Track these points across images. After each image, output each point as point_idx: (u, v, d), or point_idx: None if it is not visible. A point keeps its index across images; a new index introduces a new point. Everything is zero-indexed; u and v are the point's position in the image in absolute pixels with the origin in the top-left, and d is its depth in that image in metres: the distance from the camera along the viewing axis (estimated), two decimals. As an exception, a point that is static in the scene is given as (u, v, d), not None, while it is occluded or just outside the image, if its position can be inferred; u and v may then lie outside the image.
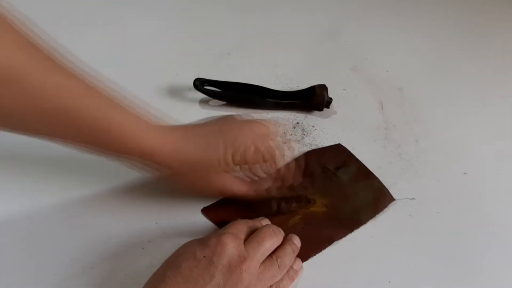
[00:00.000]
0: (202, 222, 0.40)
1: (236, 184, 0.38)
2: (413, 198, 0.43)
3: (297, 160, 0.45)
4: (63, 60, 0.31)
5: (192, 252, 0.30)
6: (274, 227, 0.35)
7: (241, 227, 0.34)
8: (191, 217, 0.40)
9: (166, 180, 0.37)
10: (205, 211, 0.40)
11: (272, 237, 0.33)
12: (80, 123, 0.31)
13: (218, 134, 0.36)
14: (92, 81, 0.32)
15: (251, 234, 0.33)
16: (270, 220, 0.38)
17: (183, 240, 0.37)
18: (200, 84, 0.51)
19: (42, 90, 0.29)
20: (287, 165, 0.43)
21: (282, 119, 0.51)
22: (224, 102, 0.53)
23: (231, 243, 0.31)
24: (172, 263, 0.30)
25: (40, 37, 0.30)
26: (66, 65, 0.31)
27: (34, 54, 0.29)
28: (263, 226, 0.35)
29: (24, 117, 0.30)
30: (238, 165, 0.37)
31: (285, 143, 0.48)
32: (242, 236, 0.33)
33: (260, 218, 0.37)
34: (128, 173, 0.42)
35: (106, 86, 0.33)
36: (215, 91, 0.52)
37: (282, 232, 0.35)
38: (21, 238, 0.37)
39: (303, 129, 0.50)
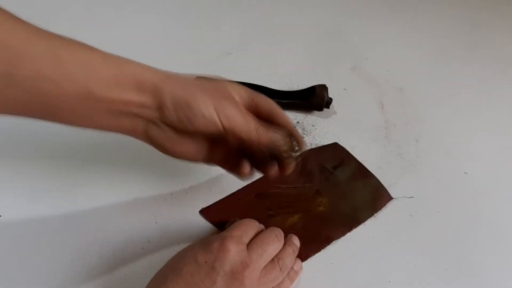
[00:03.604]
0: (202, 222, 0.40)
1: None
2: (411, 197, 0.43)
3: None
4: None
5: (193, 256, 0.30)
6: (277, 231, 0.34)
7: (245, 229, 0.33)
8: (191, 217, 0.40)
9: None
10: (204, 212, 0.40)
11: (275, 242, 0.33)
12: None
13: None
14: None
15: (255, 236, 0.33)
16: (269, 221, 0.38)
17: (183, 240, 0.38)
18: (200, 84, 0.51)
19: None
20: None
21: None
22: (224, 102, 0.53)
23: (234, 248, 0.30)
24: (174, 267, 0.30)
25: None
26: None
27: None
28: (266, 230, 0.34)
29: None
30: None
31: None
32: (246, 240, 0.32)
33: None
34: (128, 173, 0.43)
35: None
36: (215, 91, 0.52)
37: (283, 234, 0.35)
38: (22, 238, 0.37)
39: (303, 129, 0.50)
